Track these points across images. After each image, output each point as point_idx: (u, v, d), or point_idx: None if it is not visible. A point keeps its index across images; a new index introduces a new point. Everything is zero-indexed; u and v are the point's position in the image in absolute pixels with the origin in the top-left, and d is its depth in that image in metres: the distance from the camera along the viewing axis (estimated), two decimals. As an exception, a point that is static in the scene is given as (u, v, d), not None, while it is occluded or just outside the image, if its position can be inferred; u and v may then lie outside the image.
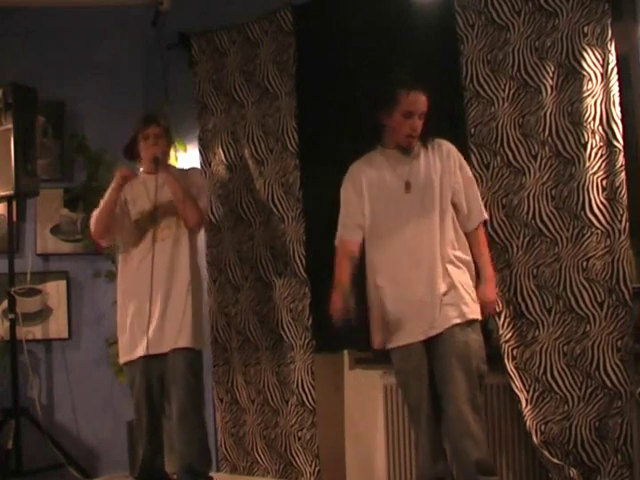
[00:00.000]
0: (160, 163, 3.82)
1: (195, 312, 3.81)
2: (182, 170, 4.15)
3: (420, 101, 3.30)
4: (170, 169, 3.97)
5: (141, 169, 4.00)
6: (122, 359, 3.87)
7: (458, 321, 3.22)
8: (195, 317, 3.80)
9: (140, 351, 3.76)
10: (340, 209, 3.51)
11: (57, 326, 4.77)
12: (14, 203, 4.52)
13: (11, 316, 4.43)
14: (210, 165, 4.50)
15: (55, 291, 4.78)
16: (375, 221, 3.39)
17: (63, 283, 4.80)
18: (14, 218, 4.55)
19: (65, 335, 4.78)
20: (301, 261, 4.16)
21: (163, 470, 3.94)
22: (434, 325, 3.23)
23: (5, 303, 4.52)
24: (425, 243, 3.28)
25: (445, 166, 3.36)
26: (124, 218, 3.89)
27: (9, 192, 4.36)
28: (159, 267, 3.72)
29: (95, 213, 3.89)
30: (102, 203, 3.84)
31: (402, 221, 3.31)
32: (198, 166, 4.50)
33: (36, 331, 4.74)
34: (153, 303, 3.73)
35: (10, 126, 4.33)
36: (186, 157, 4.67)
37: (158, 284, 3.73)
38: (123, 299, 3.87)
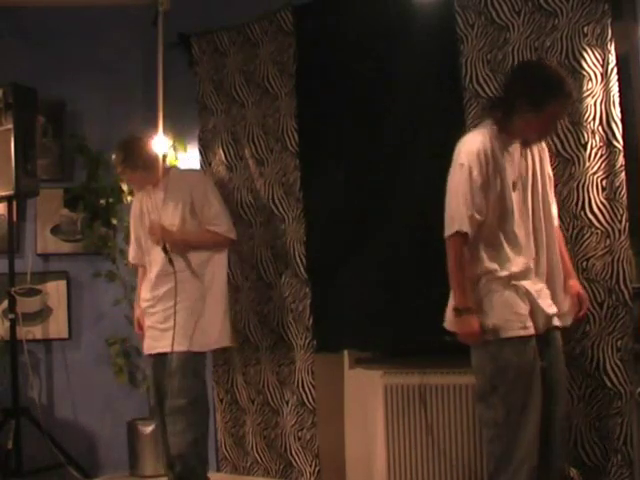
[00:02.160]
0: (169, 249, 3.86)
1: (192, 314, 3.85)
2: (184, 174, 4.15)
3: (567, 105, 3.13)
4: (170, 175, 4.01)
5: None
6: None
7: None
8: (190, 319, 3.85)
9: (149, 349, 3.94)
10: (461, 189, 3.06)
11: (57, 326, 4.77)
12: (14, 203, 4.52)
13: (11, 316, 4.43)
14: (210, 165, 4.50)
15: (55, 291, 4.78)
16: (501, 208, 3.07)
17: (63, 283, 4.80)
18: (14, 218, 4.55)
19: (65, 335, 4.78)
20: (302, 261, 4.16)
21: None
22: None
23: (5, 303, 4.52)
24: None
25: (544, 164, 3.23)
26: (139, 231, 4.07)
27: (9, 192, 4.36)
28: (165, 270, 3.86)
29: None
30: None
31: (519, 214, 3.09)
32: (198, 166, 4.49)
33: (36, 331, 4.74)
34: (161, 305, 3.89)
35: (10, 126, 4.33)
36: (186, 157, 4.67)
37: (164, 288, 3.87)
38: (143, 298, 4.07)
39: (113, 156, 4.01)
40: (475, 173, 3.01)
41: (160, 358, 3.88)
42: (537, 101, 2.99)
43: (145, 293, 3.99)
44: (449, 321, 3.14)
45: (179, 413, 3.79)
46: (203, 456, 3.91)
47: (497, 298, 3.03)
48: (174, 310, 3.79)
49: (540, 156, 3.21)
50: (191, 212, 3.91)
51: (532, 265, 3.08)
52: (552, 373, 3.07)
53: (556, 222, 3.27)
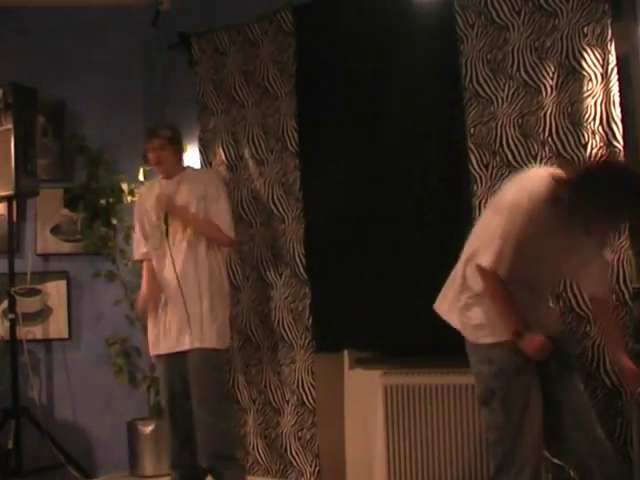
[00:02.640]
0: (169, 222, 3.85)
1: (214, 312, 3.83)
2: (199, 171, 4.21)
3: None
4: (186, 172, 4.00)
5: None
6: (151, 352, 3.97)
7: None
8: (214, 317, 3.82)
9: (163, 348, 3.86)
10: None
11: (57, 326, 4.77)
12: (14, 203, 4.52)
13: (11, 316, 4.43)
14: (210, 165, 4.50)
15: (55, 291, 4.78)
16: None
17: (63, 283, 4.79)
18: (14, 218, 4.55)
19: (65, 335, 4.78)
20: (301, 261, 4.16)
21: (193, 462, 3.90)
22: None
23: (5, 303, 4.52)
24: None
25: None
26: (147, 226, 4.00)
27: (9, 192, 4.36)
28: (178, 269, 3.80)
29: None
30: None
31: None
32: (198, 166, 4.49)
33: (36, 331, 4.74)
34: (173, 303, 3.82)
35: (10, 126, 4.33)
36: (186, 157, 4.66)
37: (177, 285, 3.79)
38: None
39: (149, 136, 3.93)
40: (528, 220, 2.83)
41: (174, 357, 3.81)
42: (614, 210, 2.80)
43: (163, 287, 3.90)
44: (465, 316, 3.08)
45: (214, 408, 3.79)
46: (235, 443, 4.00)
47: (476, 308, 3.03)
48: (201, 306, 3.78)
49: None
50: (203, 205, 3.88)
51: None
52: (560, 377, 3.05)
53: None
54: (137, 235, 4.04)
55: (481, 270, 2.92)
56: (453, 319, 3.11)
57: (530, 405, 2.96)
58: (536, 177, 2.92)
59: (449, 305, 3.12)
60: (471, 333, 3.07)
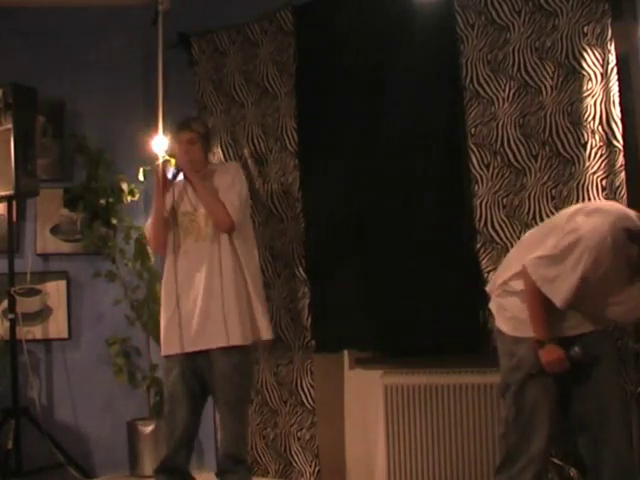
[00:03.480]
0: (184, 171, 3.75)
1: (240, 310, 3.70)
2: (220, 166, 4.10)
3: None
4: (208, 169, 3.88)
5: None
6: (162, 352, 3.83)
7: None
8: (241, 315, 3.70)
9: (178, 347, 3.71)
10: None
11: (57, 326, 4.77)
12: (14, 203, 4.52)
13: (11, 316, 4.43)
14: (210, 165, 4.50)
15: (55, 291, 4.78)
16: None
17: (63, 283, 4.79)
18: (14, 218, 4.54)
19: (65, 335, 4.78)
20: (300, 261, 4.16)
21: (185, 468, 3.85)
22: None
23: (5, 303, 4.51)
24: None
25: None
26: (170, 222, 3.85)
27: (9, 192, 4.36)
28: (199, 267, 3.70)
29: (147, 226, 3.92)
30: (151, 215, 3.85)
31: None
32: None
33: (36, 331, 4.73)
34: (192, 301, 3.69)
35: (10, 126, 4.33)
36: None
37: (199, 283, 3.69)
38: (165, 297, 3.83)
39: (181, 128, 3.84)
40: (595, 261, 2.86)
41: (195, 357, 3.71)
42: None
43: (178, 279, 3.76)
44: (500, 305, 3.16)
45: (234, 412, 3.73)
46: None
47: (516, 299, 3.07)
48: (222, 299, 3.67)
49: None
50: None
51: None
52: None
53: None
54: None
55: (529, 282, 2.97)
56: (492, 302, 3.20)
57: (543, 406, 2.99)
58: (615, 211, 2.93)
59: (494, 286, 3.20)
60: (501, 321, 3.14)
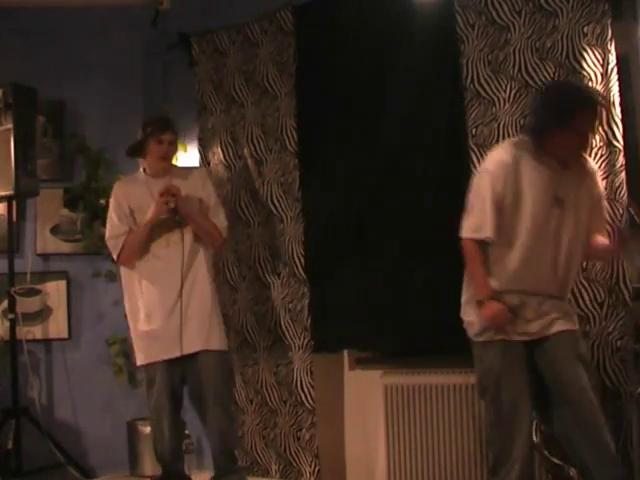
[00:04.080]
0: (179, 212, 3.71)
1: (219, 313, 3.82)
2: (187, 170, 4.07)
3: (593, 120, 3.07)
4: (174, 172, 3.88)
5: (141, 169, 3.93)
6: (141, 360, 3.80)
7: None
8: (219, 318, 3.81)
9: (162, 354, 3.70)
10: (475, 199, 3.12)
11: (57, 326, 4.77)
12: (14, 203, 4.52)
13: (11, 316, 4.43)
14: (209, 165, 4.50)
15: (55, 291, 4.78)
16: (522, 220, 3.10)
17: (63, 283, 4.79)
18: (14, 218, 4.54)
19: (65, 335, 4.78)
20: (300, 261, 4.16)
21: (183, 469, 3.90)
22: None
23: (5, 303, 4.52)
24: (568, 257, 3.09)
25: (591, 183, 3.17)
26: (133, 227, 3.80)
27: (9, 192, 4.36)
28: (175, 271, 3.68)
29: (119, 245, 3.78)
30: (133, 239, 3.75)
31: (548, 236, 3.07)
32: (197, 165, 4.49)
33: (36, 331, 4.74)
34: (172, 307, 3.69)
35: (10, 126, 4.32)
36: (186, 157, 4.67)
37: (175, 287, 3.68)
38: (133, 303, 3.83)
39: (166, 128, 3.80)
40: (497, 181, 3.04)
41: (177, 361, 3.71)
42: (562, 117, 2.97)
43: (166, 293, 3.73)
44: (464, 312, 3.21)
45: (226, 411, 3.76)
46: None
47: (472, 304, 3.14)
48: (212, 304, 3.75)
49: (586, 180, 3.13)
50: (197, 205, 3.80)
51: (530, 285, 3.07)
52: (551, 375, 3.07)
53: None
54: (115, 223, 3.80)
55: (462, 241, 3.10)
56: (462, 311, 3.23)
57: (519, 405, 3.03)
58: (496, 148, 3.22)
59: (463, 297, 3.24)
60: (468, 328, 3.18)
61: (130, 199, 3.80)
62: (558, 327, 3.08)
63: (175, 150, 3.94)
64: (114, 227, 3.80)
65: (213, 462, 3.82)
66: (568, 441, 3.06)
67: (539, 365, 3.10)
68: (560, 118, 2.98)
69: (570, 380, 3.02)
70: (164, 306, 3.71)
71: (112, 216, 3.83)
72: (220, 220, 3.85)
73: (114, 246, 3.79)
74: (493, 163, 3.10)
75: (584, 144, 3.11)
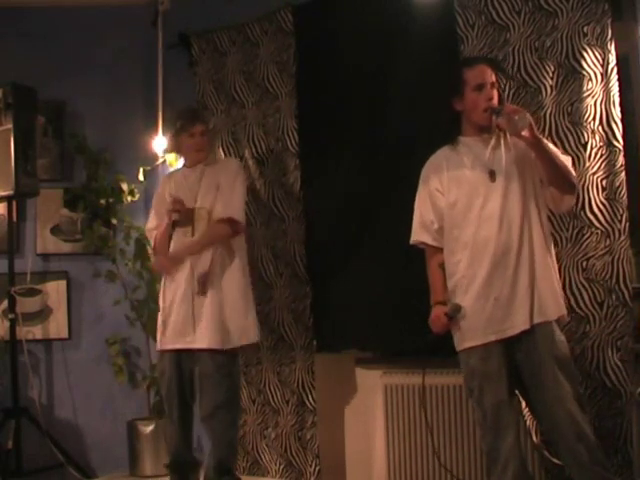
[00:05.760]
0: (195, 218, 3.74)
1: (233, 312, 3.70)
2: (220, 161, 4.04)
3: (486, 72, 3.11)
4: (210, 161, 3.88)
5: (181, 163, 4.00)
6: (157, 347, 3.82)
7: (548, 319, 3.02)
8: (233, 317, 3.70)
9: (171, 344, 3.70)
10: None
11: (57, 326, 4.77)
12: (14, 203, 4.53)
13: (11, 316, 4.43)
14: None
15: (55, 291, 4.78)
16: (457, 212, 3.16)
17: (63, 283, 4.80)
18: (14, 218, 4.55)
19: (65, 335, 4.78)
20: (302, 261, 4.16)
21: (194, 459, 3.86)
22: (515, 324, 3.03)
23: (5, 303, 4.52)
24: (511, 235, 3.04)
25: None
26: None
27: (9, 192, 4.36)
28: (201, 264, 3.68)
29: (152, 237, 3.93)
30: (158, 235, 3.84)
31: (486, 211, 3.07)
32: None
33: (36, 331, 4.74)
34: (189, 301, 3.67)
35: (10, 126, 4.33)
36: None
37: (189, 282, 3.67)
38: (163, 293, 3.81)
39: (196, 120, 3.82)
40: (425, 186, 3.30)
41: (187, 355, 3.69)
42: (455, 84, 3.15)
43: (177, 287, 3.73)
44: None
45: (221, 413, 3.67)
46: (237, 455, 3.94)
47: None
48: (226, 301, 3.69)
49: (514, 149, 3.12)
50: (215, 195, 3.76)
51: (481, 273, 3.06)
52: (530, 372, 3.04)
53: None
54: (152, 216, 3.93)
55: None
56: None
57: (502, 408, 3.03)
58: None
59: None
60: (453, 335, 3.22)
61: (170, 191, 3.85)
62: (535, 319, 2.99)
63: (208, 140, 3.91)
64: (150, 220, 3.97)
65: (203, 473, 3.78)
66: (554, 442, 3.10)
67: (519, 364, 3.07)
68: (455, 87, 3.14)
69: (546, 386, 2.97)
70: (177, 300, 3.71)
71: (152, 209, 3.99)
72: (232, 209, 3.73)
73: (150, 238, 4.00)
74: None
75: (491, 99, 3.10)
